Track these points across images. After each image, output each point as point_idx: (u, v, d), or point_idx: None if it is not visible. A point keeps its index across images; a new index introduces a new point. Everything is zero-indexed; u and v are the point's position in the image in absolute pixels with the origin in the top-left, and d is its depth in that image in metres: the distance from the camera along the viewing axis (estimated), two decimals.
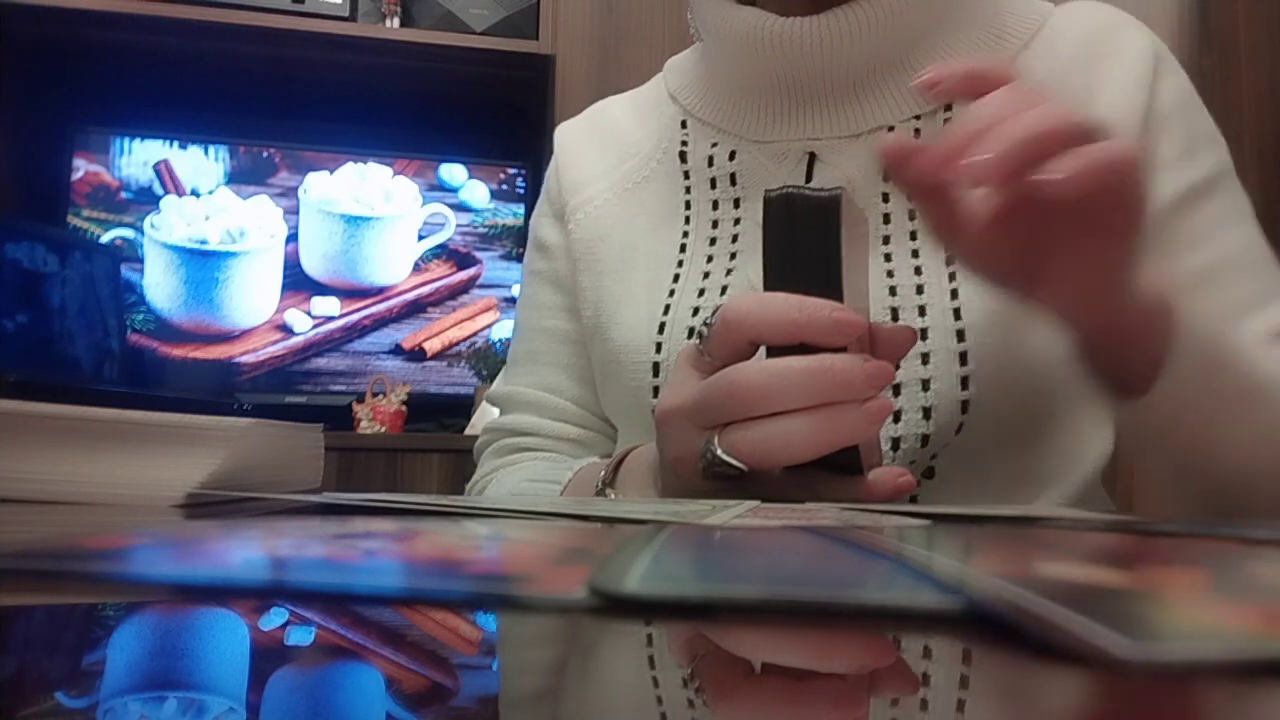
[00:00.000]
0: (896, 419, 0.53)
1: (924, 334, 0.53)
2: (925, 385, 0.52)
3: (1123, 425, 0.49)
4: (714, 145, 0.63)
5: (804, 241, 0.41)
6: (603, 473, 0.51)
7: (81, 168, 1.82)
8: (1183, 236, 0.56)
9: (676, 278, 0.61)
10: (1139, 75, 0.58)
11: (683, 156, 0.65)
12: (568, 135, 0.72)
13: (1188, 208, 0.56)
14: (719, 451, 0.40)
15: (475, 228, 1.95)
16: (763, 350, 0.41)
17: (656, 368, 0.59)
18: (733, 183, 0.62)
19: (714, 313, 0.42)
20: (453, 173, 1.94)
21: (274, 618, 0.15)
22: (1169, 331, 0.43)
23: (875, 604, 0.14)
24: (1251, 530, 0.25)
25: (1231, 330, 0.50)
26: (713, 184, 0.63)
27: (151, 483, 0.38)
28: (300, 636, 0.15)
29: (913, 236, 0.56)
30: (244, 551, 0.19)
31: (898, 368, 0.53)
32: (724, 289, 0.59)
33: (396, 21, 1.79)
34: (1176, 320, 0.43)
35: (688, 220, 0.63)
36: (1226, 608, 0.14)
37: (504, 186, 1.96)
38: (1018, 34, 0.60)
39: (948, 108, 0.59)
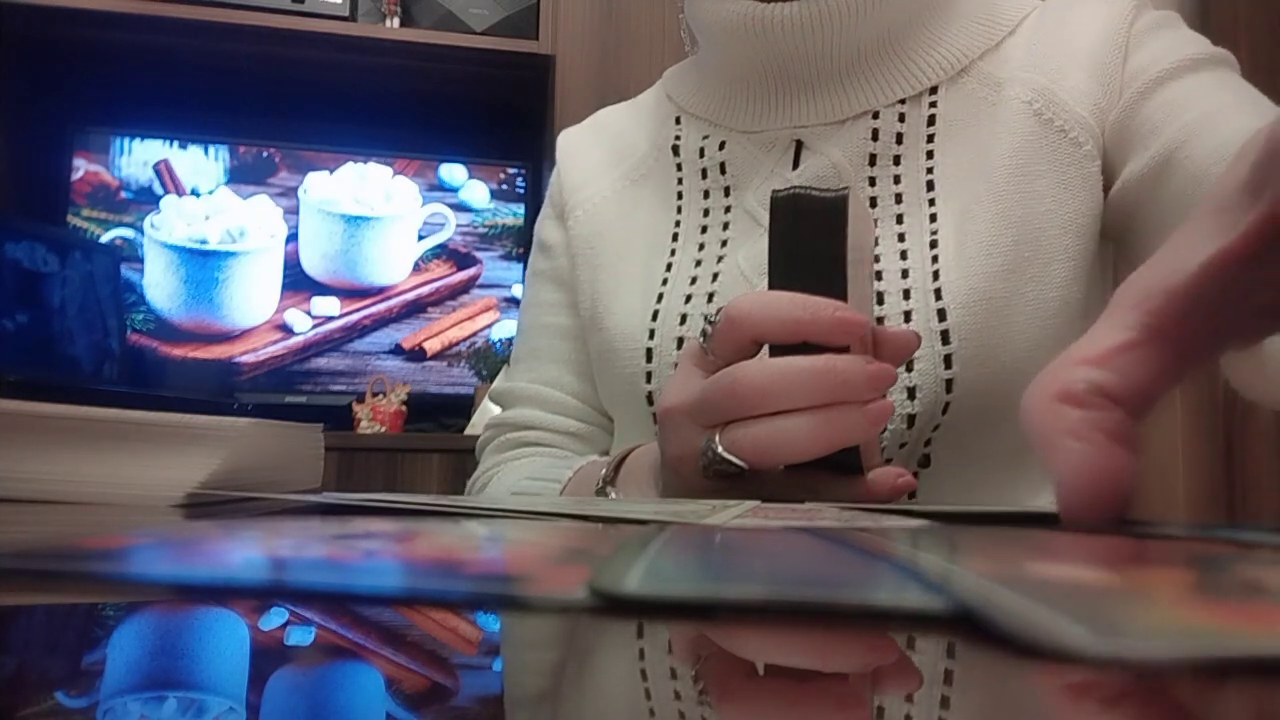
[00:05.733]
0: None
1: (907, 316, 0.54)
2: (909, 365, 0.53)
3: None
4: (705, 137, 0.65)
5: (809, 242, 0.41)
6: (604, 471, 0.51)
7: (81, 168, 1.82)
8: (1177, 98, 0.55)
9: (669, 266, 0.63)
10: (1118, 15, 0.58)
11: (675, 150, 0.66)
12: (569, 140, 0.74)
13: (1177, 78, 0.55)
14: (720, 449, 0.40)
15: (475, 228, 1.95)
16: (766, 349, 0.41)
17: (650, 354, 0.60)
18: (722, 172, 0.64)
19: (718, 311, 0.42)
20: (453, 173, 1.94)
21: (274, 618, 0.15)
22: None
23: (862, 604, 0.15)
24: (1247, 534, 0.25)
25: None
26: (703, 174, 0.64)
27: (151, 483, 0.38)
28: (300, 637, 0.15)
29: (898, 220, 0.57)
30: (244, 551, 0.19)
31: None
32: (715, 276, 0.60)
33: (396, 21, 1.79)
34: None
35: (679, 210, 0.65)
36: (1203, 606, 0.14)
37: (504, 186, 1.96)
38: (1003, 23, 0.61)
39: (933, 90, 0.59)
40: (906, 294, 0.54)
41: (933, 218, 0.56)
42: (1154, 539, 0.24)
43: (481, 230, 1.95)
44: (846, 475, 0.42)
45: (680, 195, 0.65)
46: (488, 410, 1.46)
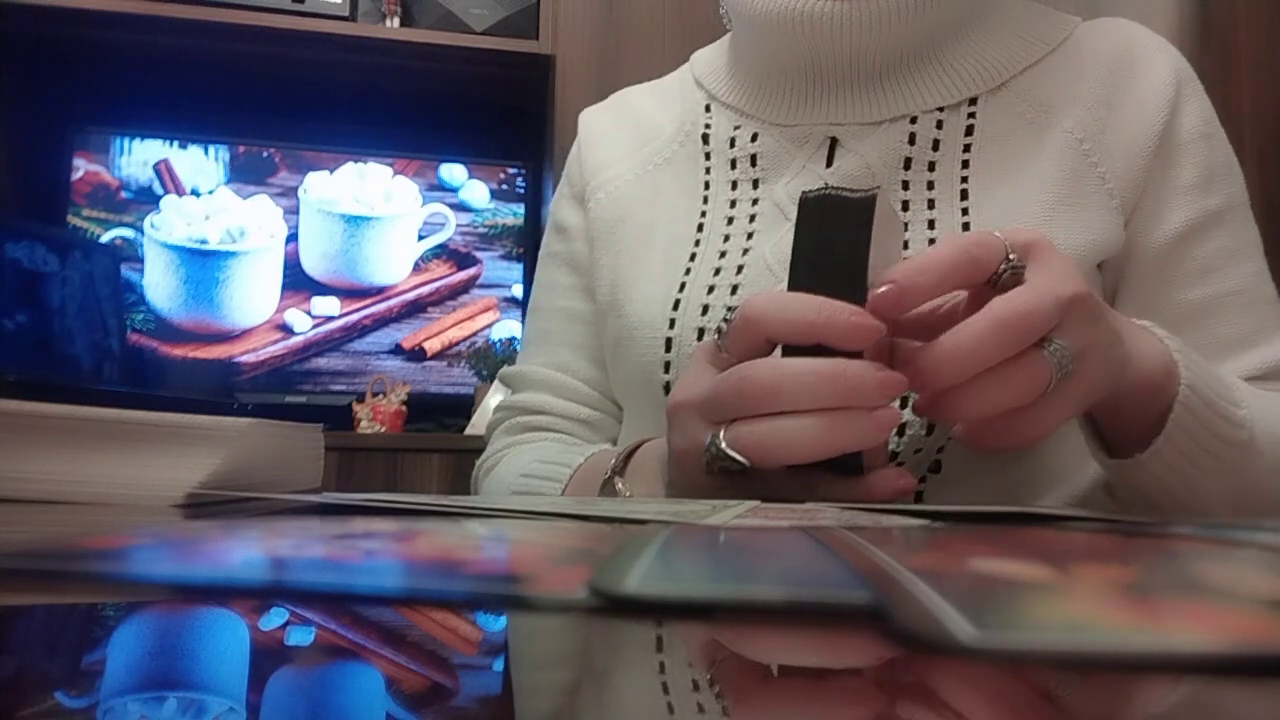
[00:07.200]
0: (904, 404, 0.53)
1: None
2: None
3: (1116, 481, 0.51)
4: (736, 128, 0.64)
5: (834, 242, 0.41)
6: (613, 461, 0.51)
7: (81, 168, 1.81)
8: (1189, 266, 0.58)
9: (693, 256, 0.62)
10: (1161, 100, 0.58)
11: (705, 139, 0.66)
12: (591, 120, 0.73)
13: (1197, 237, 0.58)
14: (723, 445, 0.40)
15: (475, 228, 1.95)
16: (779, 349, 0.41)
17: (669, 343, 0.59)
18: (753, 164, 0.63)
19: (734, 310, 0.42)
20: (453, 173, 1.94)
21: (274, 618, 0.15)
22: (1169, 392, 0.45)
23: (789, 601, 0.15)
24: (1244, 533, 0.25)
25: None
26: (733, 165, 0.64)
27: (151, 483, 0.38)
28: (300, 637, 0.15)
29: (930, 225, 0.57)
30: (244, 551, 0.19)
31: None
32: (740, 268, 0.59)
33: (396, 21, 1.79)
34: (1175, 381, 0.45)
35: (705, 200, 0.64)
36: (1112, 602, 0.14)
37: (504, 186, 1.96)
38: (1045, 40, 0.61)
39: (972, 101, 0.59)
40: None
41: (965, 226, 0.56)
42: (1143, 536, 0.24)
43: (481, 230, 1.95)
44: (847, 476, 0.42)
45: (707, 185, 0.64)
46: (487, 411, 1.46)
